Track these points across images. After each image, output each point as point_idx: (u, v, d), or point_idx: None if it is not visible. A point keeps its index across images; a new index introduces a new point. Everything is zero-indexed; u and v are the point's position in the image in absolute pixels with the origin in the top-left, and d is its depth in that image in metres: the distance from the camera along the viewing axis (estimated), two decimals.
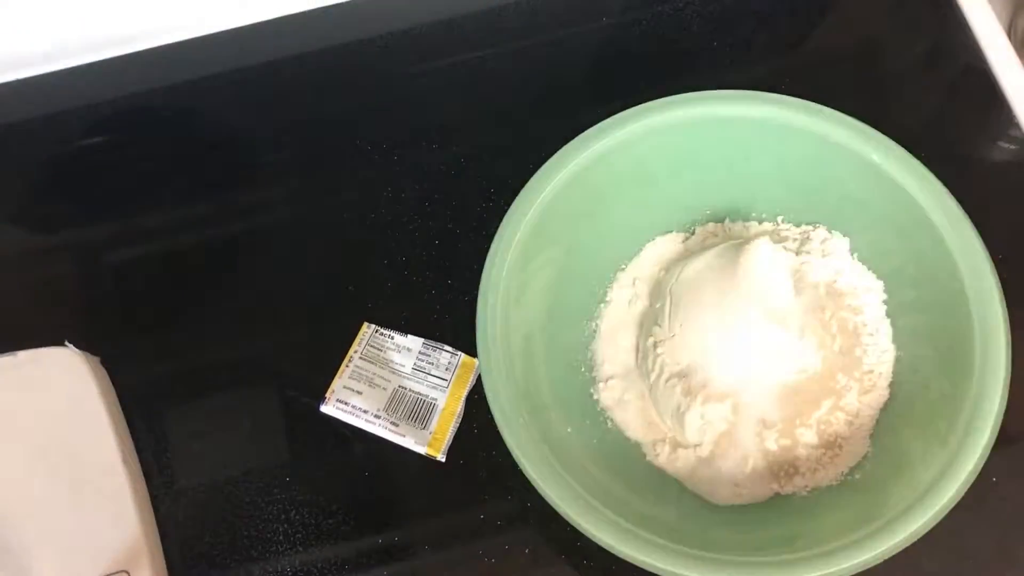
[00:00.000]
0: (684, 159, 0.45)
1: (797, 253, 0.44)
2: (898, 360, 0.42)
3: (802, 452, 0.41)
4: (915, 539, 0.35)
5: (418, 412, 0.45)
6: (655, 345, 0.42)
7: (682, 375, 0.41)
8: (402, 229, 0.51)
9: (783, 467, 0.41)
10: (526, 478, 0.38)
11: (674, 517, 0.40)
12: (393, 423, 0.45)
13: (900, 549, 0.35)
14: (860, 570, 0.35)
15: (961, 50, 0.54)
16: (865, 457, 0.41)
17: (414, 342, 0.47)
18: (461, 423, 0.46)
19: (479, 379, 0.41)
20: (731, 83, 0.43)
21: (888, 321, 0.43)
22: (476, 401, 0.46)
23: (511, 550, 0.44)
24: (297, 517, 0.45)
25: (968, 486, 0.35)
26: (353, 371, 0.46)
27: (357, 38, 0.57)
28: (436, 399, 0.45)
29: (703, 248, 0.45)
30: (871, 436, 0.41)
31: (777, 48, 0.56)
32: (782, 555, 0.36)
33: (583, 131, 0.43)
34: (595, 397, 0.44)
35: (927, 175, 0.40)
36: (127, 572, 0.42)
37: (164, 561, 0.44)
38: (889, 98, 0.53)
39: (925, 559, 0.42)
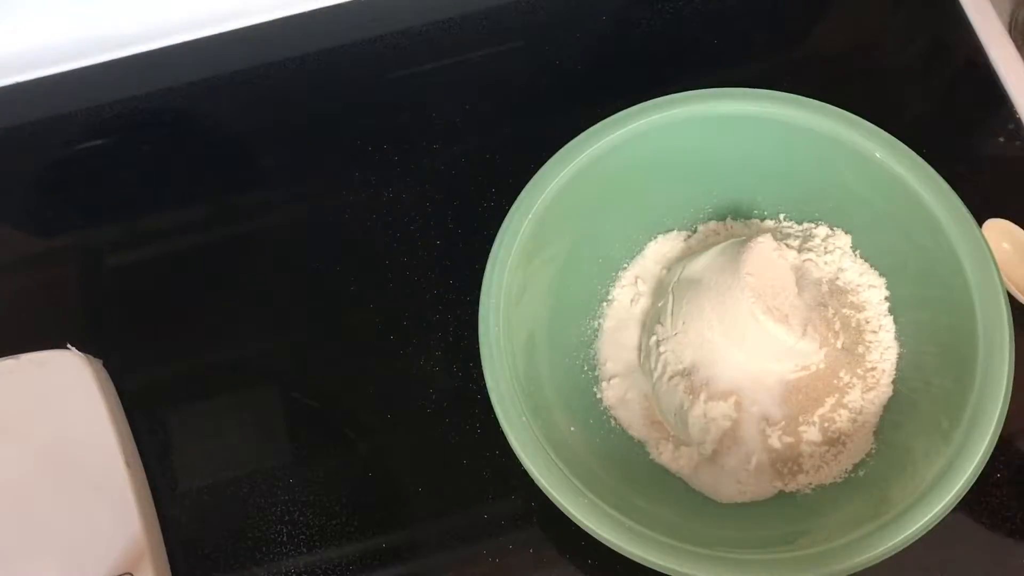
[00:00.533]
0: (685, 158, 0.45)
1: (799, 251, 0.44)
2: (901, 357, 0.42)
3: (805, 449, 0.41)
4: (919, 536, 0.35)
5: None
6: (658, 343, 0.42)
7: (685, 373, 0.41)
8: (403, 229, 0.51)
9: (786, 464, 0.41)
10: (529, 478, 0.38)
11: (677, 515, 0.40)
12: None
13: (904, 546, 0.35)
14: (864, 567, 0.35)
15: (961, 45, 0.54)
16: (869, 454, 0.41)
17: None
18: (464, 423, 0.46)
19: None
20: (732, 81, 0.43)
21: (891, 318, 0.43)
22: (481, 402, 0.46)
23: (515, 550, 0.44)
24: (301, 518, 0.45)
25: (972, 483, 0.35)
26: None
27: (357, 39, 0.57)
28: None
29: (705, 246, 0.45)
30: (875, 433, 0.41)
31: (778, 46, 0.56)
32: (786, 552, 0.36)
33: (583, 131, 0.43)
34: (598, 396, 0.44)
35: (929, 171, 0.40)
36: (130, 574, 0.42)
37: (167, 563, 0.44)
38: (890, 94, 0.53)
39: (928, 556, 0.42)
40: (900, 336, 0.43)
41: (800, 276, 0.42)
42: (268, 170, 0.55)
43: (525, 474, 0.38)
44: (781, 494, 0.41)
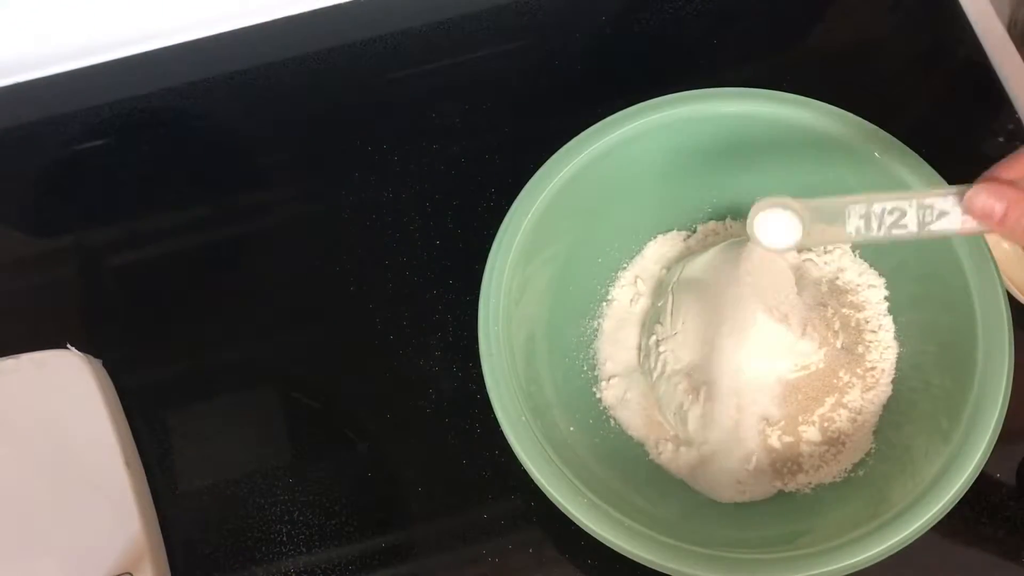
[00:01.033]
0: (685, 157, 0.45)
1: (799, 251, 0.44)
2: (900, 356, 0.42)
3: (805, 449, 0.41)
4: (918, 535, 0.35)
5: None
6: (657, 343, 0.42)
7: (684, 373, 0.41)
8: (403, 229, 0.51)
9: (786, 464, 0.41)
10: (529, 478, 0.38)
11: (677, 515, 0.40)
12: None
13: (903, 546, 0.35)
14: (863, 567, 0.35)
15: (961, 46, 0.54)
16: (868, 454, 0.41)
17: None
18: (464, 423, 0.46)
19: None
20: (731, 81, 0.43)
21: (890, 318, 0.43)
22: (479, 401, 0.46)
23: (515, 550, 0.44)
24: (300, 518, 0.45)
25: (971, 483, 0.35)
26: None
27: (357, 39, 0.57)
28: None
29: (705, 246, 0.45)
30: (874, 433, 0.41)
31: (777, 46, 0.56)
32: (785, 552, 0.36)
33: (583, 131, 0.43)
34: (597, 396, 0.44)
35: (929, 171, 0.40)
36: (130, 574, 0.42)
37: (167, 563, 0.44)
38: (890, 94, 0.53)
39: (928, 556, 0.42)
40: (900, 336, 0.43)
41: (800, 276, 0.42)
42: (268, 170, 0.55)
43: (525, 474, 0.38)
44: (781, 494, 0.41)
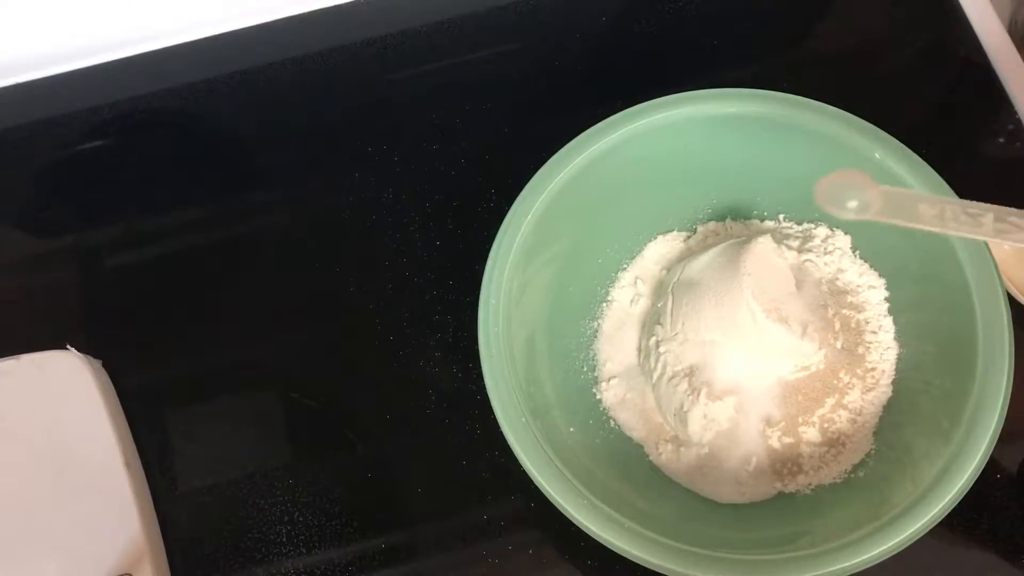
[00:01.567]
0: (685, 158, 0.45)
1: (799, 251, 0.44)
2: (901, 357, 0.42)
3: (805, 450, 0.41)
4: (918, 537, 0.35)
5: None
6: (657, 344, 0.42)
7: (684, 374, 0.41)
8: (403, 230, 0.51)
9: (786, 465, 0.41)
10: (529, 479, 0.38)
11: (677, 516, 0.40)
12: None
13: (904, 547, 0.35)
14: (864, 568, 0.35)
15: (961, 46, 0.54)
16: (868, 455, 0.41)
17: None
18: (464, 423, 0.46)
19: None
20: (731, 82, 0.43)
21: (891, 318, 0.43)
22: (480, 402, 0.46)
23: (515, 550, 0.44)
24: (300, 519, 0.45)
25: (972, 484, 0.35)
26: None
27: (357, 39, 0.57)
28: None
29: (705, 247, 0.45)
30: (874, 433, 0.41)
31: (777, 46, 0.56)
32: (786, 553, 0.36)
33: (583, 131, 0.43)
34: (597, 397, 0.44)
35: (929, 172, 0.40)
36: (130, 575, 0.42)
37: (167, 564, 0.44)
38: (890, 94, 0.53)
39: (928, 556, 0.42)
40: (900, 337, 0.43)
41: (800, 277, 0.42)
42: (268, 170, 0.55)
43: (525, 475, 0.38)
44: (781, 495, 0.41)
